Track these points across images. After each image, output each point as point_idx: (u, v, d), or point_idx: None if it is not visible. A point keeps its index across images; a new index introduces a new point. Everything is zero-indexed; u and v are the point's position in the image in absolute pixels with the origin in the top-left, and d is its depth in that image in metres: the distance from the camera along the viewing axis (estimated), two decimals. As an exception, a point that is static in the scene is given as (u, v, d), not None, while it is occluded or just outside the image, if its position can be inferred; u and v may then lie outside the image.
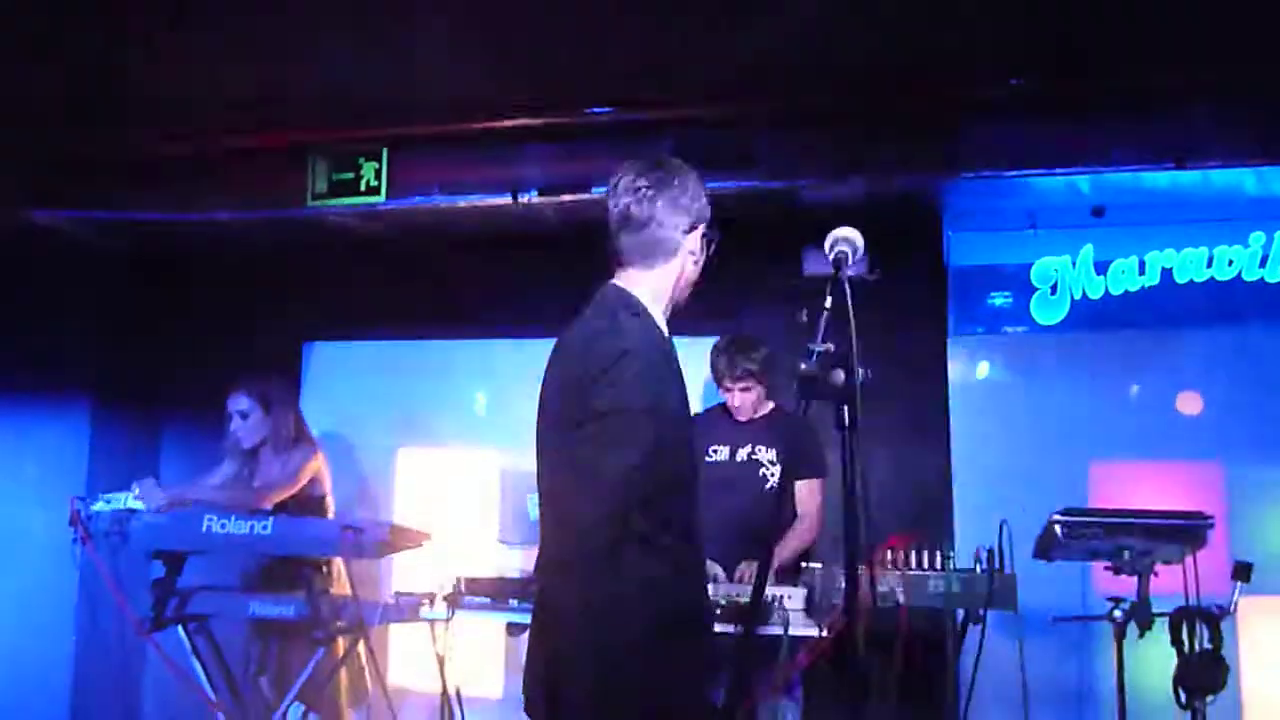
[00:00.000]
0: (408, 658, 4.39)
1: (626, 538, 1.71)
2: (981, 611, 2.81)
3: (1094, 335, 4.29)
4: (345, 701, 3.91)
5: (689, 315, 4.64)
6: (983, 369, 4.45)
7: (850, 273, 1.76)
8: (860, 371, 1.53)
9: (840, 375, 1.52)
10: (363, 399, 4.81)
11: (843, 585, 1.85)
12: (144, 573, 3.68)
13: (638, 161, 1.93)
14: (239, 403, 3.94)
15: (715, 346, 3.74)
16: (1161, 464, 4.08)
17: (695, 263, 1.96)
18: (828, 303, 1.60)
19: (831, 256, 1.67)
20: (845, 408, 1.50)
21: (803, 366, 1.56)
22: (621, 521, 1.71)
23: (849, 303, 1.57)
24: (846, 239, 1.71)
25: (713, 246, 1.96)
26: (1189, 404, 4.19)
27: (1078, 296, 4.33)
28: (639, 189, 1.90)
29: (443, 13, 3.21)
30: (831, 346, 1.58)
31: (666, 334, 1.95)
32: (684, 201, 1.92)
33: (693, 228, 1.93)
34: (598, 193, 4.05)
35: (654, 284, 1.95)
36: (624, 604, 1.69)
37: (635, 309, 1.90)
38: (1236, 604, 2.83)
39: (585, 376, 1.79)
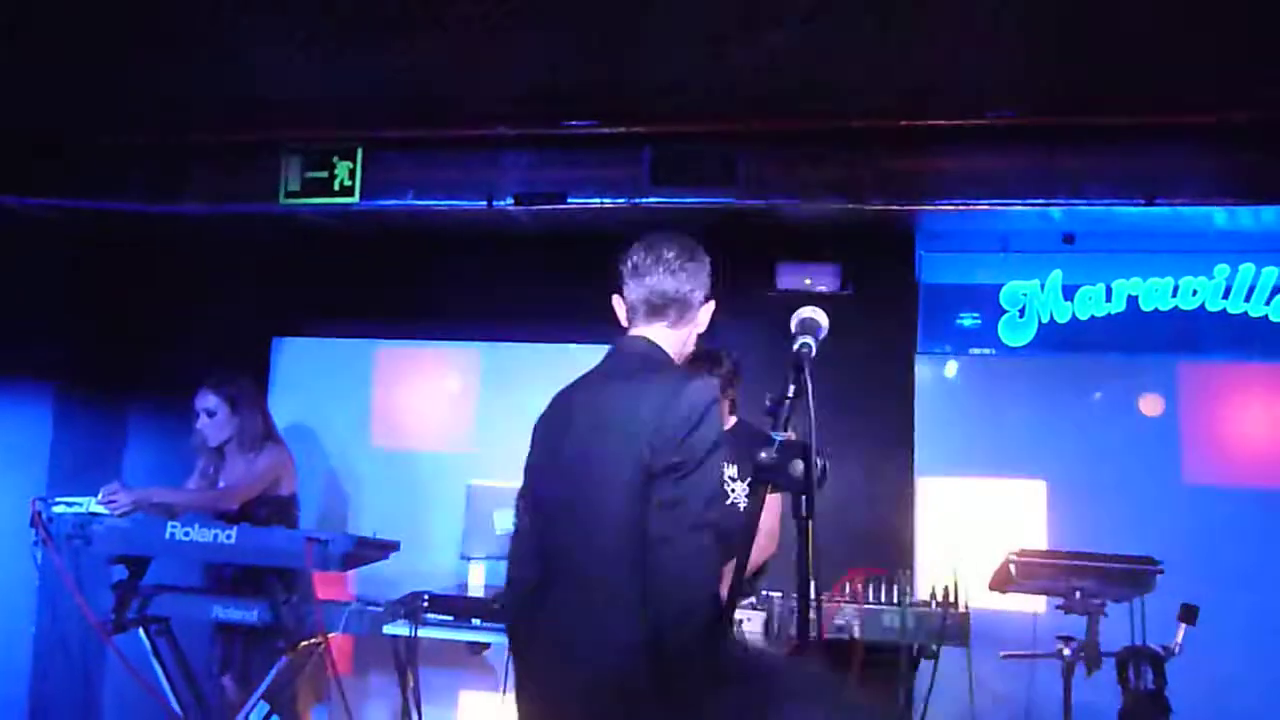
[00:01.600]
0: (370, 661, 4.41)
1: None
2: (934, 647, 2.87)
3: (1060, 359, 4.36)
4: (307, 701, 3.94)
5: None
6: (948, 385, 4.51)
7: (816, 337, 1.78)
8: (819, 463, 1.55)
9: (799, 466, 1.54)
10: (331, 396, 4.79)
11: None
12: (106, 573, 3.66)
13: (673, 240, 2.10)
14: (206, 401, 3.92)
15: None
16: (1118, 488, 4.16)
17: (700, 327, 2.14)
18: (790, 390, 1.62)
19: (795, 346, 1.68)
20: (804, 498, 1.52)
21: (762, 455, 1.58)
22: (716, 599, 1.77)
23: (810, 391, 1.59)
24: (810, 326, 1.72)
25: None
26: (1151, 406, 4.27)
27: (1045, 320, 4.40)
28: (681, 266, 2.07)
29: (426, 18, 3.17)
30: (793, 435, 1.60)
31: None
32: (704, 278, 2.12)
33: (707, 299, 2.12)
34: (574, 203, 4.05)
35: (677, 341, 2.10)
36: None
37: (674, 365, 2.07)
38: (1180, 645, 2.91)
39: (667, 432, 1.83)
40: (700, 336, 2.15)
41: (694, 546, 1.75)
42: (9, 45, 3.39)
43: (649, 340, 2.07)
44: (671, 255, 2.07)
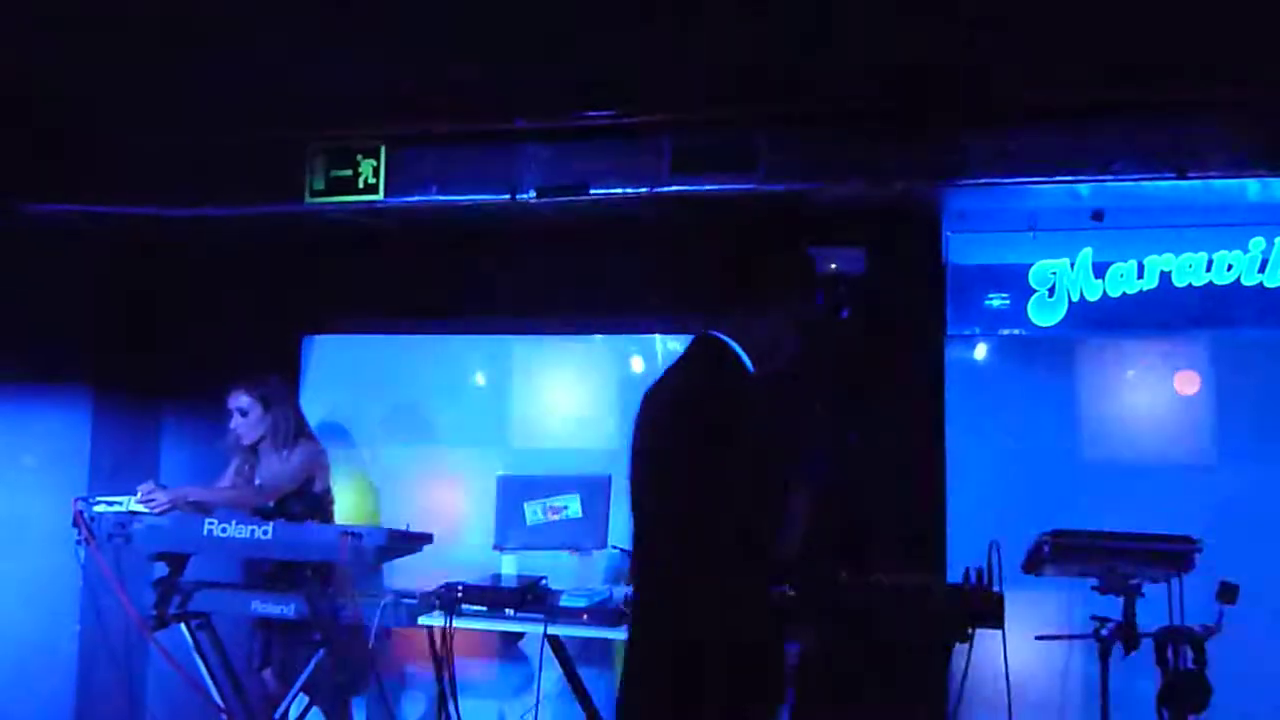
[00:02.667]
0: (406, 653, 4.46)
1: None
2: (969, 629, 2.85)
3: (1090, 338, 4.30)
4: (346, 694, 4.00)
5: (689, 314, 4.68)
6: (978, 367, 4.47)
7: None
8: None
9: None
10: (362, 394, 4.83)
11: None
12: (147, 570, 3.73)
13: None
14: (238, 400, 3.98)
15: None
16: (1154, 467, 4.10)
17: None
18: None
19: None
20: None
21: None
22: None
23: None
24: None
25: None
26: (1187, 383, 4.21)
27: (1075, 299, 4.32)
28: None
29: (443, 12, 3.18)
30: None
31: None
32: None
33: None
34: (596, 194, 4.05)
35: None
36: None
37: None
38: (1221, 625, 2.87)
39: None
40: None
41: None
42: (31, 48, 3.44)
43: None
44: None
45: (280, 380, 4.14)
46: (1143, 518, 3.23)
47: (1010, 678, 2.79)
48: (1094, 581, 2.96)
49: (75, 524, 3.59)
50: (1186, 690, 2.78)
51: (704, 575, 1.96)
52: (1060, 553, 2.87)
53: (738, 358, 2.12)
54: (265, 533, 3.49)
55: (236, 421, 3.97)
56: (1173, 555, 2.83)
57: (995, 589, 2.90)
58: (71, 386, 4.71)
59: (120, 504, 3.64)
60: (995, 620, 2.85)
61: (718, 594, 1.95)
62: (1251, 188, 3.82)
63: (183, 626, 3.72)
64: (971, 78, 3.57)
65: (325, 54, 3.46)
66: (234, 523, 3.53)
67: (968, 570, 2.91)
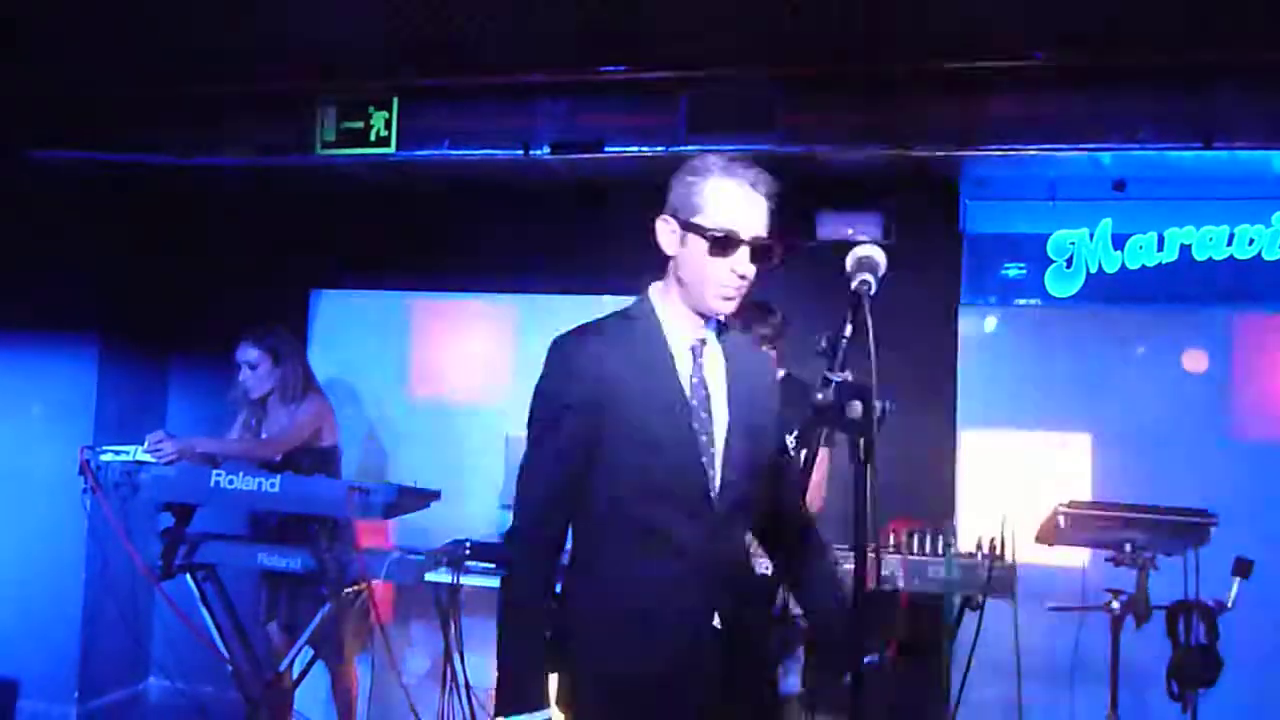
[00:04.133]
0: (412, 608, 4.47)
1: None
2: (980, 598, 2.84)
3: (1108, 310, 4.25)
4: (351, 648, 4.01)
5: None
6: (992, 337, 4.42)
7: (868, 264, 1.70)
8: (880, 405, 1.49)
9: (858, 407, 1.49)
10: (369, 349, 4.80)
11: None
12: (153, 521, 3.72)
13: None
14: (247, 353, 3.94)
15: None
16: (1164, 442, 4.07)
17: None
18: (847, 330, 1.56)
19: (854, 284, 1.62)
20: (861, 441, 1.47)
21: (818, 396, 1.53)
22: None
23: (870, 331, 1.53)
24: (869, 265, 1.65)
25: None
26: (1194, 362, 4.17)
27: (1093, 270, 4.28)
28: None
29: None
30: (849, 375, 1.55)
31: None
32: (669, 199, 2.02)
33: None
34: (610, 151, 3.99)
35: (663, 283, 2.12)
36: None
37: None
38: (1234, 599, 2.85)
39: None
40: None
41: None
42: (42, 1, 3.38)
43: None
44: None
45: (289, 334, 4.10)
46: (1157, 491, 3.21)
47: (1021, 647, 2.78)
48: (1108, 554, 2.94)
49: (81, 473, 3.57)
50: (1197, 664, 2.77)
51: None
52: (1074, 524, 2.85)
53: None
54: (273, 485, 3.46)
55: (245, 374, 3.94)
56: (1188, 528, 2.81)
57: (1008, 559, 2.88)
58: (78, 336, 4.69)
59: (127, 453, 3.62)
60: (1007, 590, 2.83)
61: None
62: (1276, 160, 3.76)
63: (188, 577, 3.71)
64: (994, 42, 3.50)
65: (340, 4, 3.39)
66: (241, 474, 3.50)
67: (980, 539, 2.88)
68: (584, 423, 1.80)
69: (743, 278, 1.85)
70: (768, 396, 1.98)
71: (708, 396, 1.87)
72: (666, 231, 1.92)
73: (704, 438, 1.83)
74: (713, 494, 1.81)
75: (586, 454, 1.81)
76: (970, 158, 3.96)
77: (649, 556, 1.79)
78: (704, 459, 1.81)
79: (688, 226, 1.87)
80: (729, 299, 1.87)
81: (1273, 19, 3.22)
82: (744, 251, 1.84)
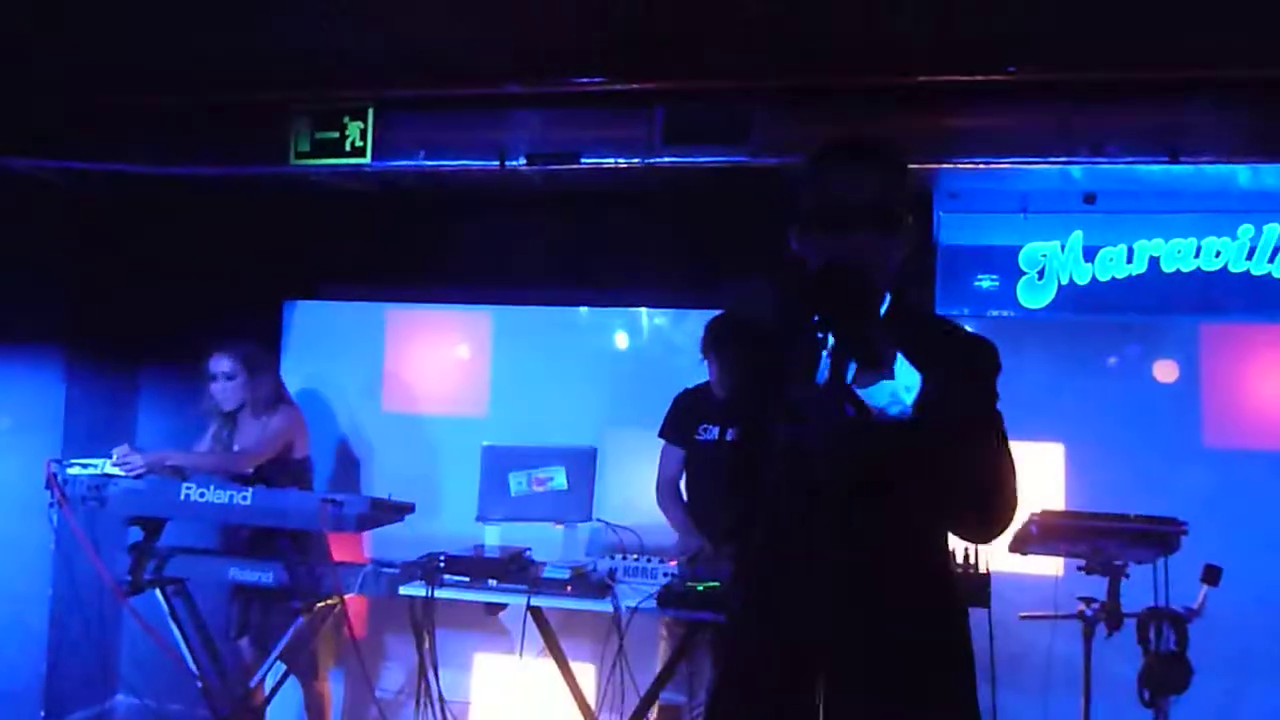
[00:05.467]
0: (386, 622, 4.43)
1: None
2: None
3: (1079, 321, 4.30)
4: (324, 663, 3.96)
5: (676, 288, 4.65)
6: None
7: None
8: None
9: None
10: (343, 360, 4.77)
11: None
12: (122, 535, 3.66)
13: None
14: (221, 364, 3.91)
15: (712, 321, 3.69)
16: (1136, 450, 4.12)
17: None
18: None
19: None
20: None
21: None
22: None
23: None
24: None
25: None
26: (1166, 373, 4.23)
27: (1065, 282, 4.33)
28: None
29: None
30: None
31: None
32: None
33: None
34: (587, 162, 4.00)
35: None
36: None
37: None
38: (1203, 606, 2.89)
39: None
40: None
41: None
42: (11, 6, 3.34)
43: None
44: None
45: (262, 346, 4.07)
46: (1127, 501, 3.25)
47: (995, 655, 2.79)
48: (1080, 562, 2.96)
49: (48, 486, 3.52)
50: (1168, 671, 2.80)
51: None
52: (1047, 532, 2.87)
53: None
54: (244, 498, 3.43)
55: (217, 386, 3.90)
56: (1158, 536, 2.84)
57: (981, 568, 2.90)
58: (45, 347, 4.62)
59: (95, 466, 3.57)
60: (980, 599, 2.85)
61: None
62: (1242, 174, 3.83)
63: (158, 592, 3.66)
64: (965, 57, 3.54)
65: (315, 14, 3.38)
66: (212, 488, 3.46)
67: (952, 549, 2.89)
68: None
69: None
70: None
71: None
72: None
73: None
74: None
75: None
76: (943, 171, 4.00)
77: None
78: None
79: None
80: None
81: (1237, 34, 3.28)
82: None
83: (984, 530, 1.66)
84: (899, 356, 1.51)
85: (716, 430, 3.67)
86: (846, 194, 1.63)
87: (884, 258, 1.64)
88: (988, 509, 1.58)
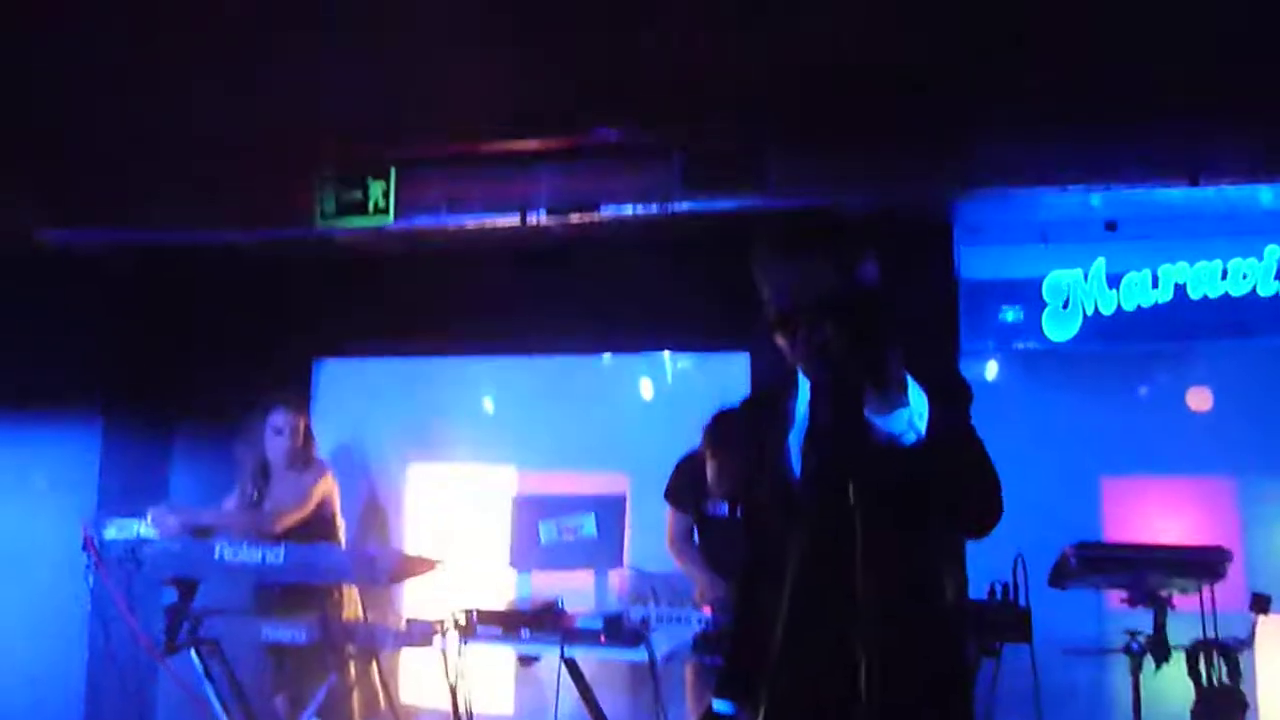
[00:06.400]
0: (419, 677, 4.39)
1: None
2: (995, 645, 2.79)
3: (1107, 350, 4.26)
4: (358, 718, 3.93)
5: (701, 333, 4.64)
6: (993, 382, 4.42)
7: None
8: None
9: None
10: (373, 417, 4.80)
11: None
12: (158, 594, 3.68)
13: None
14: (280, 419, 3.94)
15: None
16: (1175, 480, 4.05)
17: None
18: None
19: None
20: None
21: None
22: None
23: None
24: None
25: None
26: (1204, 407, 4.16)
27: (1090, 311, 4.29)
28: None
29: (452, 33, 3.19)
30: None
31: None
32: None
33: None
34: (606, 211, 4.04)
35: None
36: None
37: None
38: (1255, 636, 2.81)
39: None
40: None
41: None
42: (39, 75, 3.45)
43: None
44: None
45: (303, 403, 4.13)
46: (1161, 534, 3.19)
47: (1040, 692, 2.72)
48: (1122, 595, 2.90)
49: (85, 548, 3.55)
50: (1222, 704, 2.71)
51: None
52: (1086, 565, 2.82)
53: None
54: (276, 556, 3.44)
55: (276, 441, 3.93)
56: (1202, 565, 2.77)
57: (1021, 604, 2.84)
58: (81, 411, 4.71)
59: (131, 528, 3.60)
60: (1022, 634, 2.78)
61: None
62: (1264, 194, 3.80)
63: (193, 653, 3.66)
64: (980, 87, 3.56)
65: (335, 77, 3.47)
66: (245, 546, 3.47)
67: (993, 585, 2.85)
68: None
69: None
70: None
71: None
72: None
73: None
74: None
75: None
76: (962, 203, 4.00)
77: None
78: None
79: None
80: None
81: (1251, 57, 3.28)
82: None
83: (979, 533, 1.75)
84: (913, 384, 1.56)
85: (725, 506, 3.60)
86: (789, 296, 1.64)
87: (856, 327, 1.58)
88: (984, 517, 1.71)
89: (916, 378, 1.56)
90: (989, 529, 1.75)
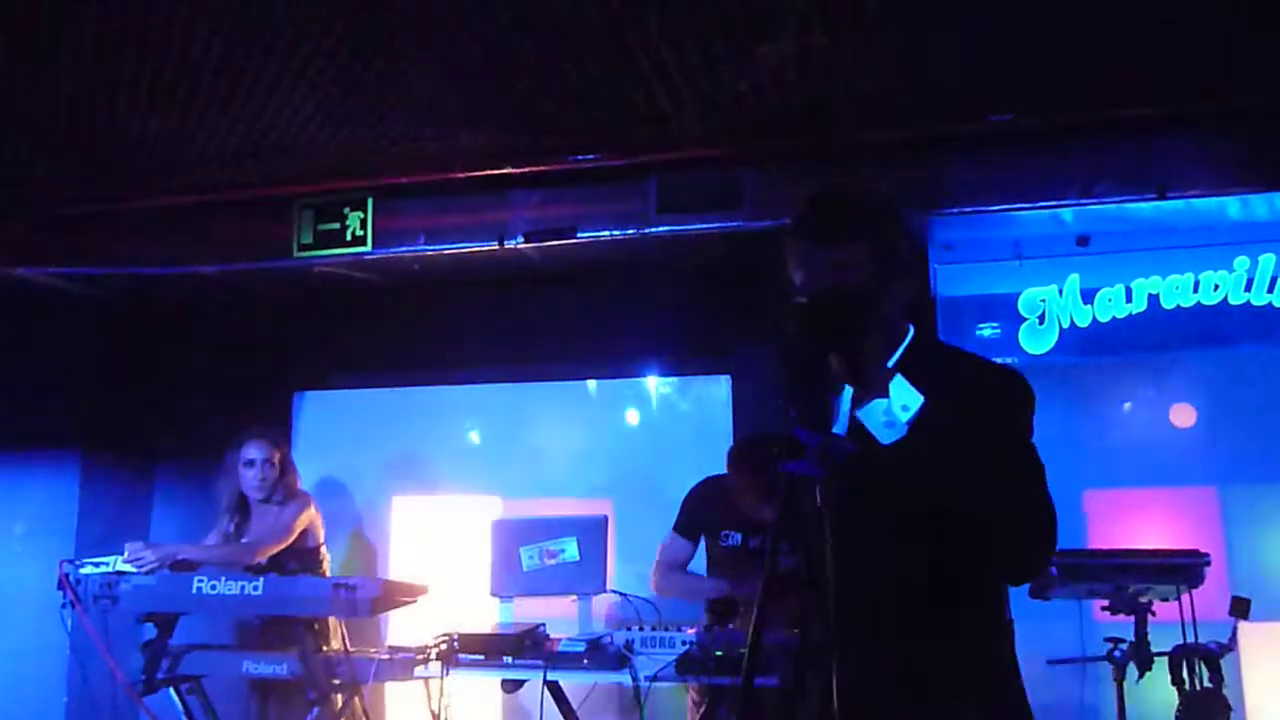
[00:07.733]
0: (404, 707, 4.34)
1: None
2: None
3: (1083, 363, 4.30)
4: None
5: (681, 356, 4.65)
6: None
7: None
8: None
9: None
10: (355, 448, 4.78)
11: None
12: (136, 632, 3.64)
13: None
14: (256, 452, 3.90)
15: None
16: (1155, 490, 4.07)
17: None
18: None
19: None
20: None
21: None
22: None
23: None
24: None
25: None
26: (1182, 417, 4.19)
27: (1066, 325, 4.34)
28: None
29: (426, 62, 3.22)
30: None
31: None
32: None
33: None
34: (584, 236, 4.07)
35: None
36: None
37: None
38: (1235, 640, 2.81)
39: None
40: None
41: None
42: (23, 114, 3.47)
43: None
44: None
45: (282, 433, 4.11)
46: (1143, 539, 3.20)
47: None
48: (1103, 602, 2.90)
49: (60, 586, 3.50)
50: (1205, 709, 2.71)
51: None
52: (1068, 573, 2.82)
53: None
54: (255, 588, 3.40)
55: (252, 473, 3.89)
56: (1181, 569, 2.78)
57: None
58: (60, 452, 4.67)
59: (106, 564, 3.56)
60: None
61: None
62: (1232, 206, 3.86)
63: (172, 691, 3.61)
64: (951, 107, 3.62)
65: (311, 109, 3.49)
66: (223, 579, 3.44)
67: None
68: None
69: None
70: None
71: None
72: None
73: None
74: None
75: None
76: (935, 220, 4.05)
77: None
78: None
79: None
80: None
81: (1215, 70, 3.35)
82: None
83: (1010, 568, 1.59)
84: (899, 377, 1.49)
85: (740, 536, 3.56)
86: (802, 283, 1.58)
87: (862, 312, 1.53)
88: (1006, 544, 1.52)
89: (912, 367, 1.48)
90: (1018, 573, 1.58)
